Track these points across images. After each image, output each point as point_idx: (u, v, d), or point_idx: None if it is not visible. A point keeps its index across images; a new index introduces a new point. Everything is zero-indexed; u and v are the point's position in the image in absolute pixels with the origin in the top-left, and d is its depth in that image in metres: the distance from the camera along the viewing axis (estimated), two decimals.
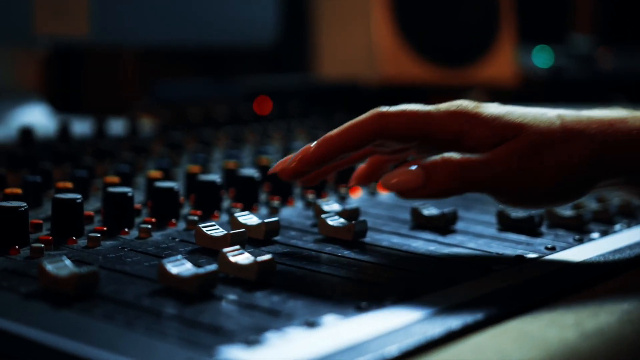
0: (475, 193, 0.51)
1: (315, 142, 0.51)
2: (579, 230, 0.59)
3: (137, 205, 0.58)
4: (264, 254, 0.45)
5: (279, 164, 0.53)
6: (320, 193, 0.67)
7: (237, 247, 0.46)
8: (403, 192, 0.49)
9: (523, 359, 0.37)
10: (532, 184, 0.50)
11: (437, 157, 0.49)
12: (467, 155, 0.49)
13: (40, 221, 0.53)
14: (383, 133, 0.51)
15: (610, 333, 0.41)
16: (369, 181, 0.59)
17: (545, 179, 0.49)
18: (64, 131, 0.85)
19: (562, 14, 2.00)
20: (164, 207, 0.56)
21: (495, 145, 0.50)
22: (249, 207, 0.61)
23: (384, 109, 0.51)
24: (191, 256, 0.48)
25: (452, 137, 0.50)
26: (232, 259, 0.44)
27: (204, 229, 0.50)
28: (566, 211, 0.61)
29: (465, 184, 0.49)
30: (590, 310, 0.44)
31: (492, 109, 0.51)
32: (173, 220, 0.56)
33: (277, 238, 0.53)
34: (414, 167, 0.49)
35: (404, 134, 0.51)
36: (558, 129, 0.50)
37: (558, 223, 0.60)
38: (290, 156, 0.52)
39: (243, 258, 0.45)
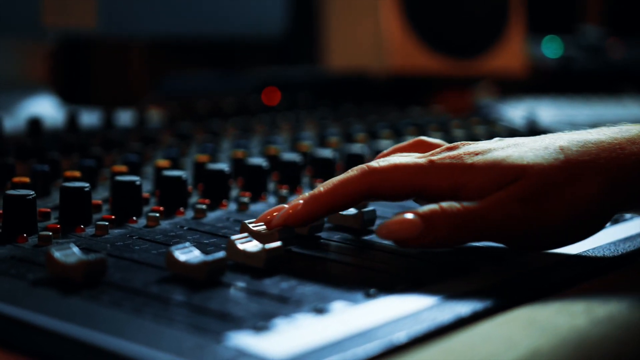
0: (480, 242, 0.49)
1: (302, 200, 0.48)
2: None
3: (146, 194, 0.58)
4: (272, 242, 0.45)
5: (268, 213, 0.49)
6: None
7: (246, 234, 0.46)
8: (400, 242, 0.47)
9: (532, 345, 0.37)
10: (539, 230, 0.46)
11: (435, 206, 0.46)
12: (467, 203, 0.46)
13: (49, 210, 0.53)
14: (374, 191, 0.48)
15: (621, 320, 0.41)
16: None
17: (552, 223, 0.46)
18: (72, 122, 0.85)
19: (572, 4, 1.99)
20: (172, 195, 0.56)
21: (495, 191, 0.46)
22: (258, 196, 0.61)
23: (373, 164, 0.48)
24: (199, 244, 0.48)
25: (448, 192, 0.47)
26: (241, 247, 0.44)
27: (249, 225, 0.49)
28: None
29: (467, 235, 0.47)
30: (600, 297, 0.43)
31: (489, 154, 0.48)
32: (181, 209, 0.55)
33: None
34: (410, 216, 0.46)
35: (396, 191, 0.48)
36: (562, 165, 0.46)
37: None
38: (279, 208, 0.49)
39: (251, 245, 0.44)
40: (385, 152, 0.55)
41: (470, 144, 0.50)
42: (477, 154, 0.48)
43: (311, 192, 0.49)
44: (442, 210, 0.46)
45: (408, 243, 0.46)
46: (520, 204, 0.46)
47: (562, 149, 0.47)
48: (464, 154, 0.48)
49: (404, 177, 0.48)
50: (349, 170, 0.49)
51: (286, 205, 0.49)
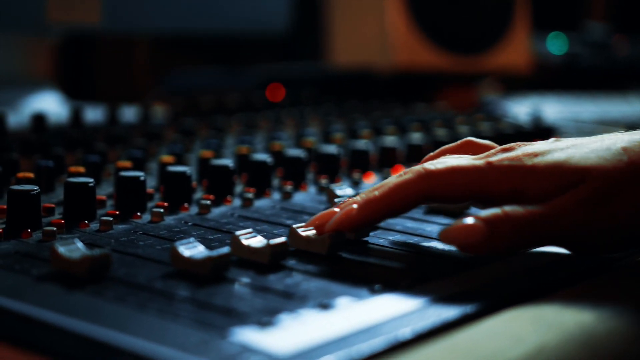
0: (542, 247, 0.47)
1: (356, 204, 0.47)
2: None
3: (150, 190, 0.57)
4: (276, 237, 0.44)
5: (318, 218, 0.48)
6: (334, 178, 0.66)
7: (250, 229, 0.45)
8: (463, 247, 0.45)
9: (539, 341, 0.37)
10: (606, 234, 0.45)
11: (498, 211, 0.44)
12: (531, 208, 0.45)
13: (53, 205, 0.53)
14: (431, 195, 0.47)
15: (628, 316, 0.41)
16: None
17: (619, 226, 0.45)
18: (76, 118, 0.85)
19: (577, 1, 1.98)
20: (176, 191, 0.56)
21: (558, 195, 0.45)
22: (262, 192, 0.61)
23: (429, 167, 0.47)
24: (204, 239, 0.48)
25: (508, 195, 0.46)
26: (245, 242, 0.44)
27: (298, 230, 0.47)
28: None
29: (532, 240, 0.46)
30: (607, 293, 0.43)
31: (550, 156, 0.46)
32: (185, 205, 0.55)
33: (289, 222, 0.53)
34: (474, 221, 0.44)
35: (453, 195, 0.47)
36: (626, 167, 0.45)
37: None
38: (329, 213, 0.48)
39: (256, 241, 0.44)
40: (432, 154, 0.53)
41: (527, 145, 0.48)
42: (536, 155, 0.47)
43: (365, 195, 0.48)
44: (505, 215, 0.44)
45: (471, 249, 0.45)
46: (586, 208, 0.45)
47: (625, 150, 0.46)
48: (523, 156, 0.47)
49: (462, 180, 0.47)
50: (403, 173, 0.48)
51: (337, 209, 0.48)
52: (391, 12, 1.19)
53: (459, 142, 0.54)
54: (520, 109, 1.19)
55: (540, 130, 0.93)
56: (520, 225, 0.44)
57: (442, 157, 0.50)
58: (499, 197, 0.46)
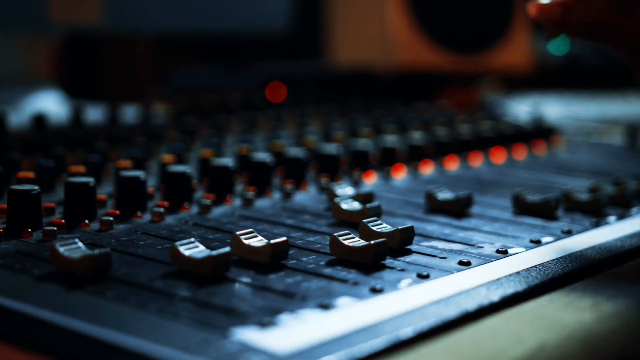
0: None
1: None
2: (596, 213, 0.58)
3: (150, 190, 0.57)
4: (277, 237, 0.44)
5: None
6: (334, 177, 0.66)
7: (250, 229, 0.45)
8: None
9: (539, 340, 0.37)
10: None
11: None
12: None
13: (53, 205, 0.53)
14: None
15: (628, 315, 0.41)
16: None
17: None
18: (77, 117, 0.85)
19: None
20: (176, 190, 0.56)
21: None
22: (262, 191, 0.61)
23: None
24: (204, 239, 0.48)
25: None
26: (246, 242, 0.44)
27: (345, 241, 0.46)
28: (583, 195, 0.60)
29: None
30: (607, 292, 0.43)
31: None
32: (186, 204, 0.55)
33: (290, 222, 0.53)
34: None
35: None
36: None
37: (574, 207, 0.59)
38: None
39: (256, 241, 0.44)
40: None
41: None
42: None
43: None
44: None
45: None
46: None
47: None
48: None
49: None
50: None
51: None
52: (392, 11, 1.19)
53: None
54: (521, 108, 1.19)
55: (541, 130, 0.93)
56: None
57: None
58: None
